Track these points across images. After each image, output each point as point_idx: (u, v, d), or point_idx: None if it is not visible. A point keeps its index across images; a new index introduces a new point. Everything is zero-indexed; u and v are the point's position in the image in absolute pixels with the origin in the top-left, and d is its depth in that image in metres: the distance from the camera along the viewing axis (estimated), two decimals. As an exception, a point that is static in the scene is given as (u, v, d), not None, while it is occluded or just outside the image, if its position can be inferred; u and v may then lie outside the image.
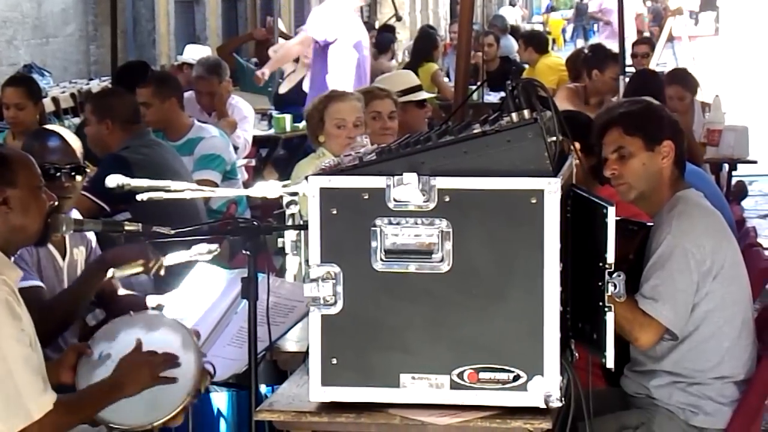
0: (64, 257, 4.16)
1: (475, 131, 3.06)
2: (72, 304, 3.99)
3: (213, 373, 3.49)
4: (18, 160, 3.40)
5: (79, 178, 4.19)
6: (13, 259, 3.40)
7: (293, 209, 4.30)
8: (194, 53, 10.61)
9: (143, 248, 4.02)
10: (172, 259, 4.13)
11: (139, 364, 3.33)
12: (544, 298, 2.94)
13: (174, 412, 3.34)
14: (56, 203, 3.51)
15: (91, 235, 4.30)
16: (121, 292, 4.24)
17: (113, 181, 4.34)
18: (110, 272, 4.03)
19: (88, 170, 4.31)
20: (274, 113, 9.49)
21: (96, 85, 12.25)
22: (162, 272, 4.07)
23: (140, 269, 4.05)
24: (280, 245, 4.26)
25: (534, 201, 2.94)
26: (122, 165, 5.17)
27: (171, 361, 3.32)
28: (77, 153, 4.22)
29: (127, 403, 3.30)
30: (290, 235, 4.19)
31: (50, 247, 4.06)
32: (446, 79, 12.06)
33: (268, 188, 4.33)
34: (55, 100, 11.22)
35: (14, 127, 6.91)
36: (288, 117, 9.27)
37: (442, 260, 2.98)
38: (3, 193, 3.32)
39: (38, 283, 3.97)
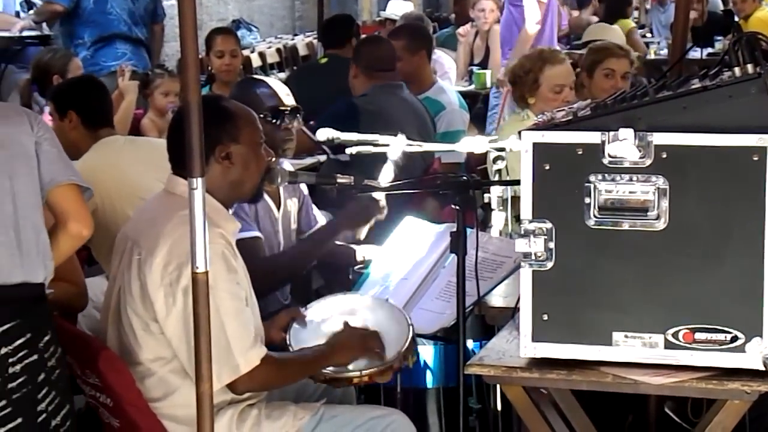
0: (279, 208, 4.24)
1: (694, 86, 2.98)
2: (300, 262, 4.10)
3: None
4: (242, 115, 3.42)
5: (295, 123, 4.26)
6: (232, 210, 3.49)
7: (500, 164, 4.28)
8: (397, 8, 10.66)
9: (369, 208, 4.08)
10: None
11: (351, 336, 3.43)
12: (765, 258, 2.85)
13: (382, 367, 3.41)
14: (274, 159, 3.58)
15: (303, 188, 4.37)
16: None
17: (323, 134, 4.43)
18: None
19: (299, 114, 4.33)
20: (475, 69, 9.47)
21: (300, 41, 12.46)
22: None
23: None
24: (486, 200, 4.26)
25: (756, 158, 2.84)
26: (350, 111, 5.32)
27: (378, 339, 3.42)
28: (287, 98, 4.28)
29: None
30: (496, 191, 4.18)
31: (267, 198, 4.12)
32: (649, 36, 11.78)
33: (475, 143, 4.33)
34: (261, 55, 11.48)
35: (226, 76, 6.92)
36: (488, 73, 9.24)
37: (657, 218, 2.92)
38: (227, 148, 3.36)
39: (257, 234, 4.05)
